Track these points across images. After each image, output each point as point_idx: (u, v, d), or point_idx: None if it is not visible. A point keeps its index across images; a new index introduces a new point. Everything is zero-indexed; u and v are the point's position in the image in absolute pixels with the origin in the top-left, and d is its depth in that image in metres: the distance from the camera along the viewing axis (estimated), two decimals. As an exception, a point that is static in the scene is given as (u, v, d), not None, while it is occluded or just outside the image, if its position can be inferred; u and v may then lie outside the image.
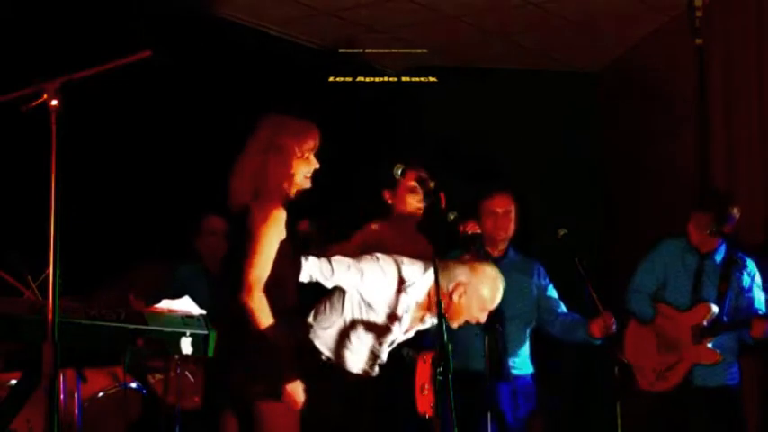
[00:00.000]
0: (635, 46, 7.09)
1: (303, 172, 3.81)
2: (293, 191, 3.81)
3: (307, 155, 3.82)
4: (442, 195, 4.93)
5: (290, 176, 3.78)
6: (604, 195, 7.37)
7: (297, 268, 3.88)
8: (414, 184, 4.51)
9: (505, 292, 4.33)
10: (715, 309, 5.23)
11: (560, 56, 7.27)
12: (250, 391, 3.66)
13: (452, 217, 4.51)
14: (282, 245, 3.71)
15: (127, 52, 3.00)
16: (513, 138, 7.17)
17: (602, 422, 5.28)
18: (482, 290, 4.20)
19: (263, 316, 3.60)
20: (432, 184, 4.53)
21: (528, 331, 5.20)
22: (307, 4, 6.29)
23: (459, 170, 6.76)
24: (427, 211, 4.58)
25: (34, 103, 2.94)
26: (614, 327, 4.98)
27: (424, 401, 4.21)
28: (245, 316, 3.61)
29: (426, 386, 4.19)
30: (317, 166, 3.85)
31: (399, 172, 4.52)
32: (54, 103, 2.91)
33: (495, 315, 4.70)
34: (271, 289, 3.66)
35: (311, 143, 3.84)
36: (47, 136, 2.91)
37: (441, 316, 3.99)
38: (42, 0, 5.37)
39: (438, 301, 4.00)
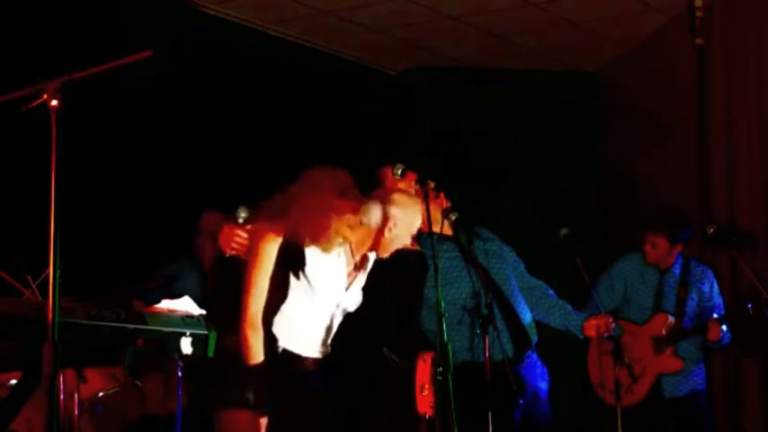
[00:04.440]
0: (635, 46, 7.09)
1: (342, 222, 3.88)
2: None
3: (342, 215, 3.87)
4: (442, 194, 4.96)
5: (326, 230, 3.83)
6: (604, 195, 7.37)
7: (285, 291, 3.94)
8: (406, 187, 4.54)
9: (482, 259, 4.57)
10: (671, 318, 5.32)
11: (560, 56, 7.27)
12: (214, 397, 3.73)
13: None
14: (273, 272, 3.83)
15: (127, 52, 3.00)
16: (513, 137, 7.16)
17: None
18: (412, 218, 4.15)
19: (254, 353, 3.73)
20: (432, 185, 4.53)
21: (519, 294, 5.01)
22: (307, 4, 6.29)
23: (459, 170, 6.78)
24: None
25: (34, 103, 2.93)
26: (612, 328, 4.99)
27: (424, 401, 4.20)
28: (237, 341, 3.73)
29: (426, 386, 4.19)
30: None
31: (399, 172, 4.51)
32: (54, 103, 2.91)
33: (491, 312, 4.69)
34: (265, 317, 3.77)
35: (347, 191, 3.91)
36: (47, 136, 2.91)
37: (440, 316, 3.99)
38: (42, 0, 5.36)
39: (438, 301, 4.00)
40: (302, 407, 4.02)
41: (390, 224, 4.03)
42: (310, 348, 4.09)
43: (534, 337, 4.93)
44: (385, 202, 4.05)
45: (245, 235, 3.89)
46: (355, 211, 3.89)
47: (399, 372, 4.34)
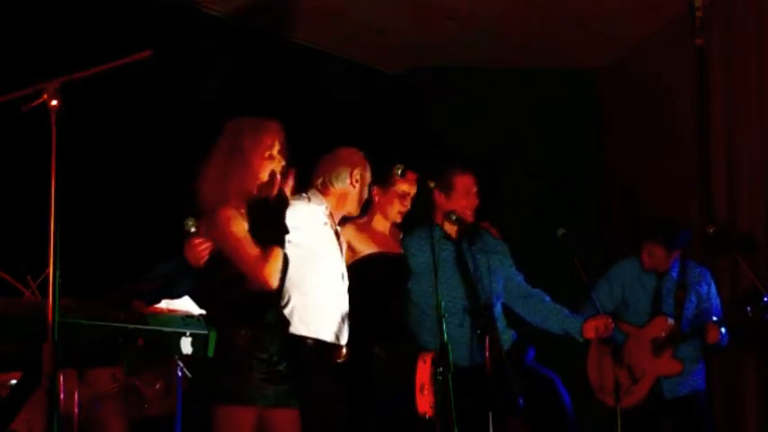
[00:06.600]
0: (635, 46, 7.09)
1: (268, 170, 3.80)
2: (258, 189, 3.80)
3: (268, 153, 3.81)
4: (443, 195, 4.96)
5: (253, 177, 3.78)
6: (604, 195, 7.37)
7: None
8: (406, 189, 4.58)
9: (484, 272, 4.73)
10: (671, 321, 5.32)
11: (560, 56, 7.27)
12: (210, 391, 3.70)
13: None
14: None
15: (127, 52, 3.01)
16: (513, 137, 7.16)
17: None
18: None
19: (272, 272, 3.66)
20: (432, 184, 4.54)
21: (498, 304, 5.08)
22: (307, 4, 6.29)
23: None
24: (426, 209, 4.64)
25: (34, 103, 2.94)
26: (612, 329, 4.99)
27: (424, 401, 4.21)
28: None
29: (426, 386, 4.19)
30: (283, 162, 3.84)
31: (399, 172, 4.52)
32: (54, 103, 2.91)
33: (491, 314, 4.70)
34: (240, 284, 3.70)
35: (269, 140, 3.84)
36: (47, 136, 2.91)
37: (440, 316, 3.99)
38: (42, 0, 5.36)
39: (438, 303, 4.00)
40: (331, 402, 4.05)
41: (356, 177, 4.38)
42: (334, 335, 4.14)
43: (506, 345, 4.95)
44: (349, 164, 4.39)
45: (202, 239, 3.84)
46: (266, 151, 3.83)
47: (391, 367, 4.35)
